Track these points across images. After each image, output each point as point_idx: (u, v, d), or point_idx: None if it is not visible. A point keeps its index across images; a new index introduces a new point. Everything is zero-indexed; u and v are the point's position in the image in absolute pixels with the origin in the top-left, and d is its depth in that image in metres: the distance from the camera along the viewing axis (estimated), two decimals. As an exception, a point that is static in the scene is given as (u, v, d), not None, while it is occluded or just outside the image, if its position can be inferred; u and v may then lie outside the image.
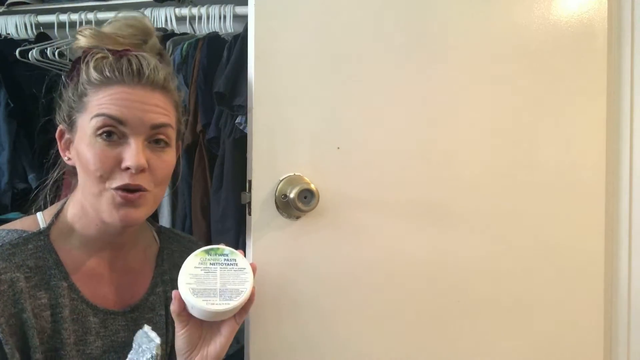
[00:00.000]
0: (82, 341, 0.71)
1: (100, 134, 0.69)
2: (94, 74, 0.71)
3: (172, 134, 0.75)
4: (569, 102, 1.04)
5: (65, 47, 1.51)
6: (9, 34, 1.66)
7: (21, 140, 1.56)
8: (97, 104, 0.70)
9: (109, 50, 0.73)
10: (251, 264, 0.73)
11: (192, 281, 0.68)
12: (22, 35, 1.65)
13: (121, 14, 0.80)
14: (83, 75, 0.72)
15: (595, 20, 1.04)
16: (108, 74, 0.71)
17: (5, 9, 1.67)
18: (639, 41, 1.07)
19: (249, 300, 0.71)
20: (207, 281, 0.68)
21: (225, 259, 0.71)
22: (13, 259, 0.68)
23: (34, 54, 1.47)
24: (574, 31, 1.03)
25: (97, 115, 0.69)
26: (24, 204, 0.83)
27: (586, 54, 1.04)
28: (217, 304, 0.67)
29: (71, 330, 0.70)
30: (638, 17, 1.07)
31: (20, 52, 1.48)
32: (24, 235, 0.71)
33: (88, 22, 1.57)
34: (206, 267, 0.69)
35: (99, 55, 0.72)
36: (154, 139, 0.73)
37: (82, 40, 0.75)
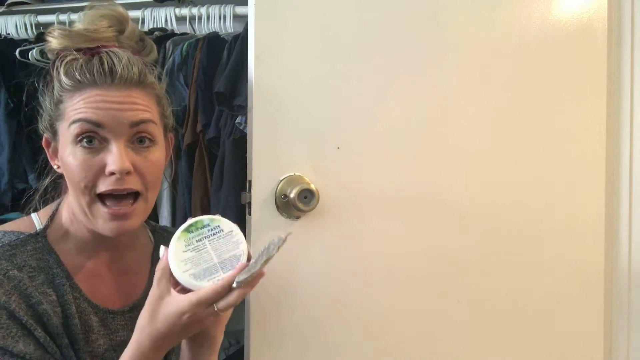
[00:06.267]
0: (86, 339, 0.71)
1: (80, 141, 0.67)
2: (65, 80, 0.69)
3: (155, 129, 0.72)
4: (569, 102, 1.04)
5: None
6: (9, 34, 1.66)
7: (21, 140, 1.56)
8: (72, 110, 0.68)
9: (79, 50, 0.70)
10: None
11: (188, 266, 0.64)
12: (22, 35, 1.64)
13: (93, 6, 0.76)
14: (56, 82, 0.70)
15: (595, 20, 1.04)
16: (79, 77, 0.68)
17: (5, 9, 1.67)
18: (639, 41, 1.08)
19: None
20: (203, 260, 0.65)
21: (209, 230, 0.67)
22: (15, 260, 0.68)
23: (34, 54, 1.46)
24: (574, 31, 1.03)
25: (74, 121, 0.67)
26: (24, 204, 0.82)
27: (586, 54, 1.04)
28: (223, 277, 0.64)
29: (79, 326, 0.70)
30: (638, 17, 1.07)
31: (20, 52, 1.48)
32: (21, 236, 0.71)
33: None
34: (195, 247, 0.66)
35: (69, 58, 0.70)
36: (137, 138, 0.70)
37: (53, 42, 0.72)
